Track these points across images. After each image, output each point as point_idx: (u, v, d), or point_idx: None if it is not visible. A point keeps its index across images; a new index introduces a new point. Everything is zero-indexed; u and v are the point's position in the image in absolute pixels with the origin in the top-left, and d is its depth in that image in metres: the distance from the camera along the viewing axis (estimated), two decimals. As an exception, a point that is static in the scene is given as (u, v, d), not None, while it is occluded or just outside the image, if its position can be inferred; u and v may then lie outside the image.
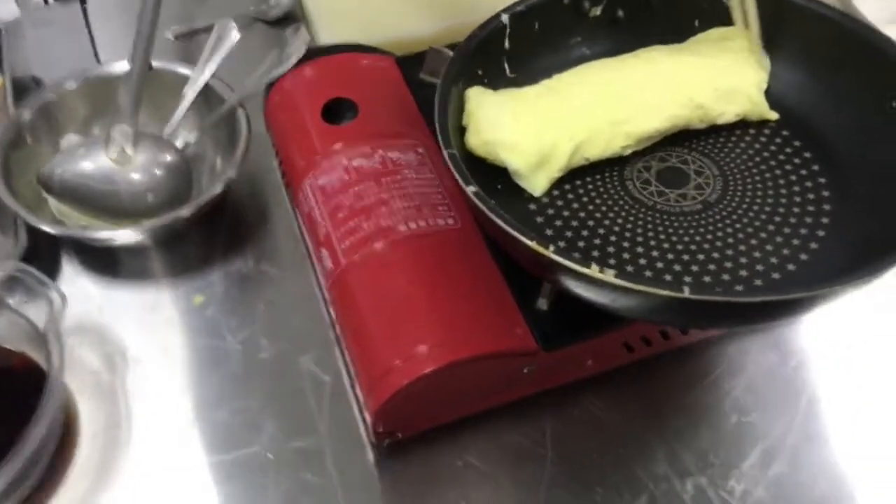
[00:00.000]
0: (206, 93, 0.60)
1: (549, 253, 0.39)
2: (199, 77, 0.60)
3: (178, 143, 0.59)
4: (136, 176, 0.57)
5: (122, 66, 0.61)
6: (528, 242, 0.40)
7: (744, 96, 0.51)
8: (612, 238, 0.47)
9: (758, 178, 0.50)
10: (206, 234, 0.60)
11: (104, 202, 0.57)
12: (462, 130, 0.49)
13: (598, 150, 0.49)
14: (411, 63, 0.60)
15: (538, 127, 0.48)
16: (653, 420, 0.51)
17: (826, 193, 0.49)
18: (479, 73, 0.52)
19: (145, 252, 0.59)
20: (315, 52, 0.60)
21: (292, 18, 0.74)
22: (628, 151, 0.50)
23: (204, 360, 0.54)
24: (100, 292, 0.57)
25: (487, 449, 0.50)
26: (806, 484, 0.49)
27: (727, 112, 0.51)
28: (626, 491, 0.48)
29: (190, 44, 0.73)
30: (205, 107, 0.60)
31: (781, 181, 0.50)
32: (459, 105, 0.49)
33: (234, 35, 0.61)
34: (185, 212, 0.54)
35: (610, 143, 0.49)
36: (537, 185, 0.49)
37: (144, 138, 0.58)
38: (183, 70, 0.61)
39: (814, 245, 0.46)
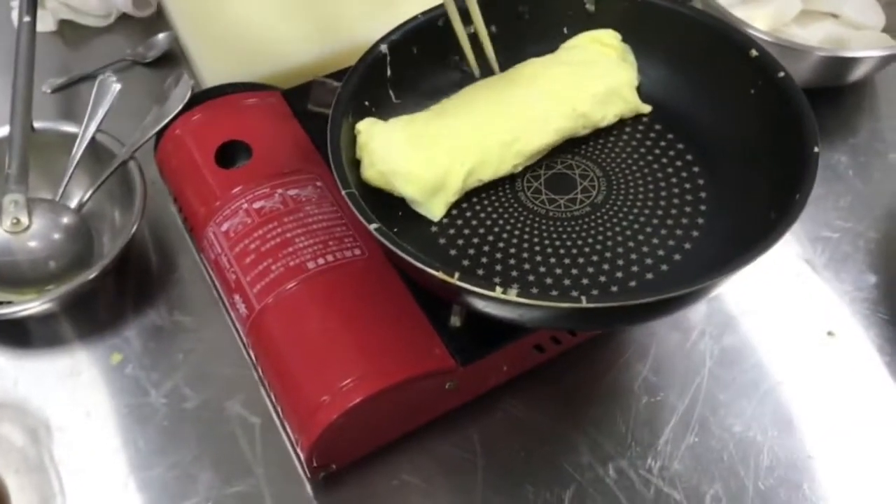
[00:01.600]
0: (95, 148, 0.60)
1: (455, 280, 0.41)
2: (85, 134, 0.59)
3: (73, 204, 0.58)
4: (34, 244, 0.56)
5: (2, 131, 0.60)
6: (434, 273, 0.42)
7: (618, 97, 0.55)
8: (512, 251, 0.50)
9: (638, 174, 0.53)
10: (115, 291, 0.60)
11: (5, 274, 0.56)
12: (357, 163, 0.50)
13: (490, 171, 0.51)
14: (298, 95, 0.61)
15: (430, 154, 0.50)
16: (570, 413, 0.54)
17: (701, 182, 0.52)
18: (366, 104, 0.53)
19: (54, 318, 0.58)
20: (201, 96, 0.60)
21: (171, 58, 0.74)
22: (519, 168, 0.53)
23: (130, 418, 0.54)
24: (12, 364, 0.57)
25: (420, 464, 0.52)
26: (716, 450, 0.53)
27: (607, 115, 0.54)
28: (555, 484, 0.51)
29: (70, 95, 0.71)
30: (95, 163, 0.60)
31: (660, 174, 0.53)
32: (351, 138, 0.50)
33: (115, 87, 0.61)
34: (91, 274, 0.54)
35: (501, 163, 0.51)
36: (435, 210, 0.51)
37: (38, 204, 0.57)
38: (67, 128, 0.61)
39: (696, 233, 0.50)
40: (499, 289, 0.41)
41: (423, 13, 0.55)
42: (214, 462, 0.52)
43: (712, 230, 0.50)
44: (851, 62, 0.66)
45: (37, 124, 0.60)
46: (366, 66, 0.53)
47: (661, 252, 0.49)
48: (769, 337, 0.58)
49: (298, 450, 0.49)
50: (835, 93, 0.73)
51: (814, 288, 0.61)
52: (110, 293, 0.60)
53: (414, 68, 0.56)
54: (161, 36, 0.74)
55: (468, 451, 0.53)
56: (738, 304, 0.60)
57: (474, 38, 0.57)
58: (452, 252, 0.50)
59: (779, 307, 0.60)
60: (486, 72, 0.56)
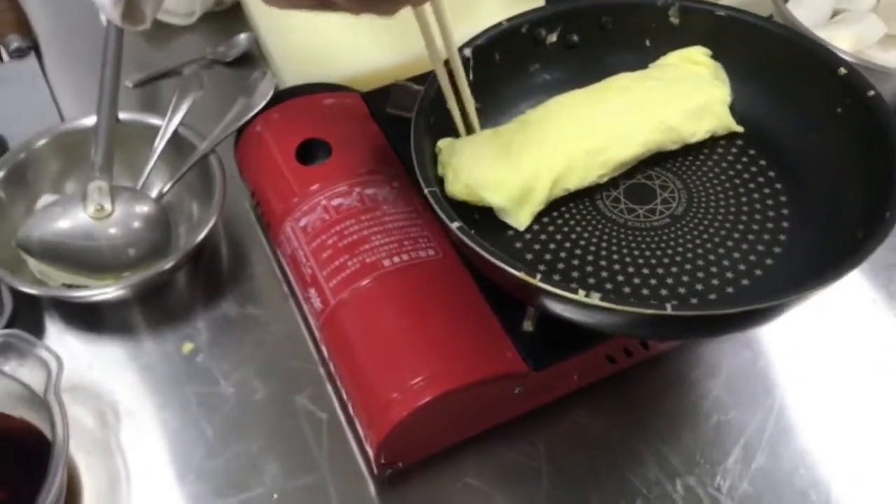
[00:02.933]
0: (177, 141, 0.61)
1: (537, 282, 0.41)
2: (167, 126, 0.61)
3: (153, 194, 0.60)
4: (115, 230, 0.57)
5: (89, 120, 0.61)
6: (516, 273, 0.42)
7: (711, 113, 0.54)
8: (589, 258, 0.49)
9: (719, 187, 0.53)
10: (188, 282, 0.61)
11: (85, 259, 0.57)
12: (437, 180, 0.50)
13: (576, 180, 0.51)
14: (377, 98, 0.61)
15: (517, 164, 0.50)
16: (638, 426, 0.54)
17: (784, 198, 0.52)
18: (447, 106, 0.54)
19: (128, 305, 0.59)
20: (282, 95, 0.61)
21: (250, 59, 0.75)
22: (605, 179, 0.52)
23: (199, 406, 0.55)
24: (86, 349, 0.58)
25: (484, 468, 0.52)
26: (787, 473, 0.52)
27: (698, 131, 0.54)
28: (621, 498, 0.51)
29: (150, 90, 0.73)
30: (176, 155, 0.61)
31: (742, 189, 0.53)
32: (431, 153, 0.51)
33: (200, 83, 0.62)
34: (167, 263, 0.55)
35: (588, 172, 0.51)
36: (521, 219, 0.51)
37: (121, 192, 0.58)
38: (151, 120, 0.62)
39: (778, 249, 0.49)
40: (581, 292, 0.40)
41: (508, 20, 0.56)
42: (280, 454, 0.53)
43: (795, 248, 0.49)
44: (936, 87, 0.65)
45: (122, 115, 0.62)
46: (449, 70, 0.53)
47: (742, 266, 0.48)
48: (844, 363, 0.57)
49: (367, 446, 0.49)
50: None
51: (891, 315, 0.60)
52: (184, 284, 0.61)
53: (495, 74, 0.56)
54: (242, 36, 0.75)
55: (533, 458, 0.53)
56: (813, 328, 0.59)
57: (555, 48, 0.57)
58: (528, 257, 0.50)
59: (854, 334, 0.59)
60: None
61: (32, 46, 0.75)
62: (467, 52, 0.54)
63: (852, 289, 0.61)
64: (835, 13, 0.72)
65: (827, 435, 0.54)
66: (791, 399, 0.55)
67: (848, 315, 0.60)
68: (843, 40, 0.67)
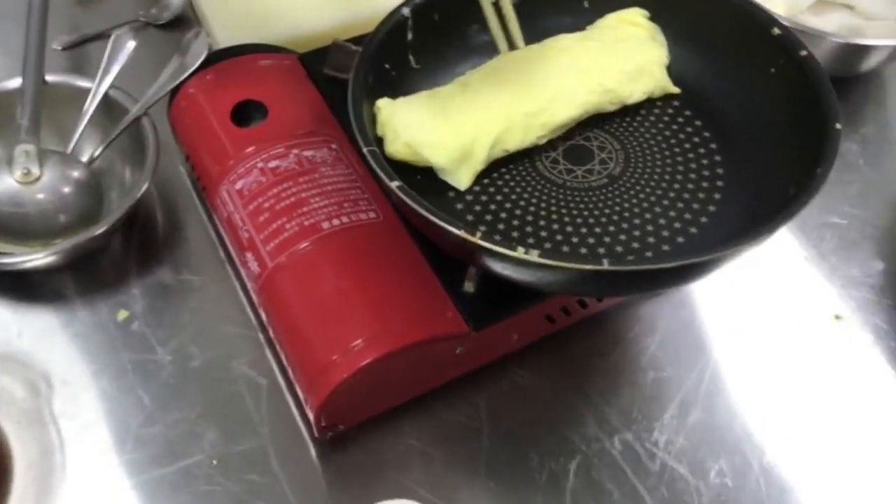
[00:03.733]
0: (108, 104, 0.59)
1: (477, 239, 0.41)
2: (97, 89, 0.59)
3: (84, 158, 0.58)
4: (43, 196, 0.56)
5: (14, 82, 0.59)
6: (457, 231, 0.41)
7: (648, 75, 0.54)
8: (529, 218, 0.50)
9: (655, 148, 0.53)
10: (121, 248, 0.60)
11: (13, 225, 0.55)
12: (377, 141, 0.50)
13: (515, 141, 0.51)
14: (315, 59, 0.60)
15: (457, 123, 0.50)
16: (577, 385, 0.54)
17: (719, 157, 0.52)
18: (386, 66, 0.53)
19: (60, 272, 0.58)
20: (216, 56, 0.60)
21: (184, 21, 0.73)
22: (544, 140, 0.52)
23: (135, 374, 0.54)
24: (16, 318, 0.56)
25: (425, 429, 0.52)
26: (722, 427, 0.53)
27: (635, 92, 0.54)
28: (561, 454, 0.51)
29: (79, 54, 0.71)
30: (107, 119, 0.59)
31: (677, 149, 0.53)
32: (370, 114, 0.50)
33: (130, 44, 0.60)
34: (99, 229, 0.54)
35: (527, 134, 0.51)
36: (462, 179, 0.51)
37: (49, 156, 0.56)
38: (80, 82, 0.60)
39: (713, 208, 0.50)
40: (521, 249, 0.40)
41: (447, -21, 0.55)
42: (219, 420, 0.52)
43: (730, 205, 0.50)
44: (865, 50, 0.67)
45: (49, 77, 0.59)
46: (387, 28, 0.53)
47: (677, 224, 0.49)
48: (776, 319, 0.59)
49: (307, 409, 0.49)
50: (846, 83, 0.73)
51: (822, 273, 0.61)
52: (117, 250, 0.59)
53: (435, 34, 0.55)
54: (174, -3, 0.73)
55: (474, 418, 0.53)
56: (747, 286, 0.60)
57: (495, 8, 0.57)
58: (470, 218, 0.50)
59: (787, 290, 0.60)
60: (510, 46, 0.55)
61: (-48, 6, 0.72)
62: (405, 11, 0.53)
63: (785, 247, 0.62)
64: (770, -22, 0.73)
65: (760, 389, 0.55)
66: (726, 355, 0.56)
67: (780, 273, 0.61)
68: (777, 5, 0.68)
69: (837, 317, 0.59)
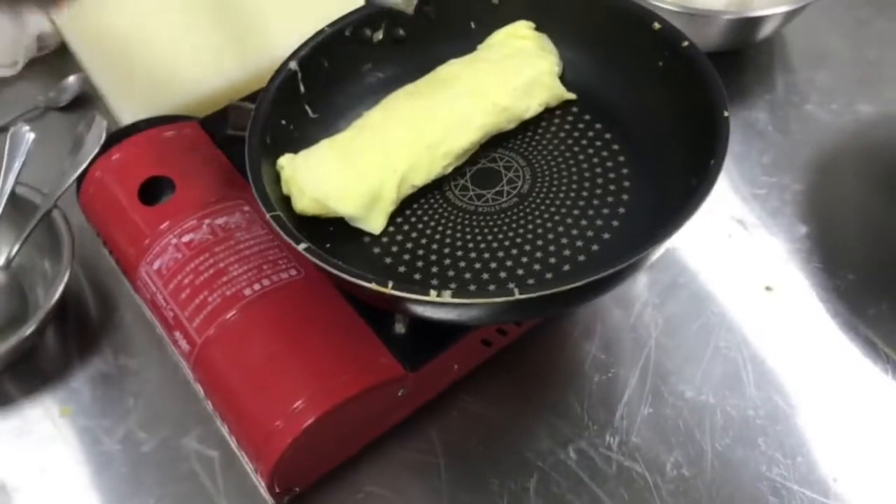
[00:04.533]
0: (16, 201, 0.59)
1: (389, 290, 0.41)
2: (3, 188, 0.58)
3: (0, 261, 0.57)
4: (-36, 307, 0.55)
5: (-83, 197, 0.58)
6: (367, 285, 0.42)
7: (541, 86, 0.55)
8: (446, 251, 0.50)
9: (560, 158, 0.54)
10: (57, 342, 0.59)
11: (-63, 341, 0.55)
12: (285, 199, 0.50)
13: (422, 175, 0.51)
14: (215, 122, 0.60)
15: (361, 169, 0.50)
16: (525, 401, 0.55)
17: (622, 158, 0.53)
18: (283, 122, 0.53)
19: (-2, 378, 0.57)
20: (119, 135, 0.59)
21: (85, 100, 0.73)
22: (449, 169, 0.53)
23: (87, 468, 0.53)
24: (-40, 431, 0.56)
25: (383, 473, 0.53)
26: (671, 418, 0.54)
27: (531, 106, 0.55)
28: (519, 474, 0.52)
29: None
30: (18, 216, 0.59)
31: (581, 157, 0.54)
32: (274, 171, 0.50)
33: (29, 136, 0.60)
34: (27, 330, 0.53)
35: (432, 165, 0.52)
36: (374, 223, 0.51)
37: (-38, 266, 0.56)
38: (-16, 184, 0.59)
39: (622, 210, 0.50)
40: (433, 292, 0.41)
41: (330, 25, 0.55)
42: (178, 501, 0.52)
43: (638, 206, 0.50)
44: (757, 21, 0.68)
45: (-48, 184, 0.59)
46: (278, 85, 0.53)
47: (590, 233, 0.50)
48: (710, 299, 0.59)
49: (258, 478, 0.49)
50: (747, 52, 0.74)
51: (748, 246, 0.62)
52: (52, 345, 0.59)
53: (327, 82, 0.56)
54: (72, 78, 0.73)
55: (429, 453, 0.53)
56: (677, 272, 0.61)
57: (383, 45, 0.57)
58: (388, 260, 0.50)
59: (716, 269, 0.61)
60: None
61: None
62: (293, 64, 0.53)
63: (708, 226, 0.63)
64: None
65: (702, 372, 0.56)
66: (665, 344, 0.57)
67: (708, 253, 0.62)
68: (664, -10, 0.69)
69: (768, 287, 0.60)
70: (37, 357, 0.59)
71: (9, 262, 0.57)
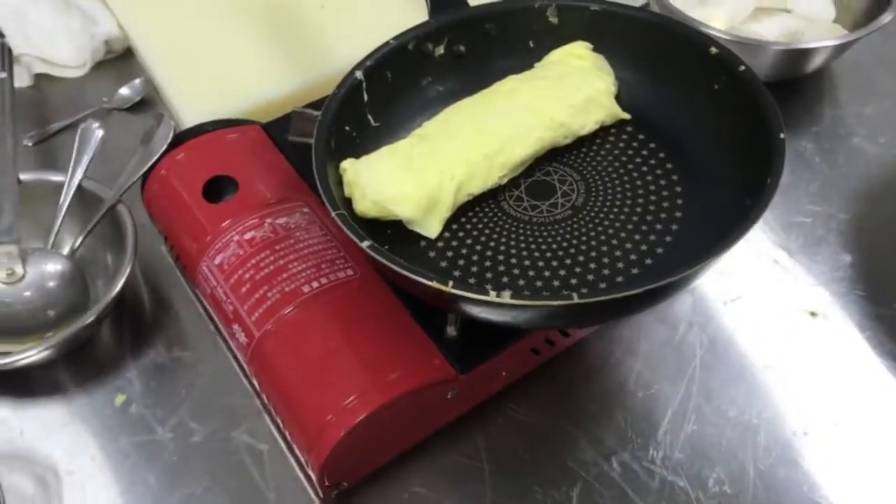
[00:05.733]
0: (83, 195, 0.61)
1: (450, 289, 0.43)
2: (71, 181, 0.60)
3: (65, 251, 0.59)
4: (30, 293, 0.57)
5: (-11, 186, 0.61)
6: (429, 283, 0.43)
7: (597, 105, 0.56)
8: (500, 258, 0.51)
9: (614, 174, 0.55)
10: (113, 333, 0.61)
11: (3, 325, 0.57)
12: (345, 202, 0.52)
13: (478, 184, 0.53)
14: (278, 127, 0.62)
15: (420, 174, 0.51)
16: (570, 412, 0.56)
17: (675, 177, 0.54)
18: (347, 129, 0.55)
19: (55, 365, 0.59)
20: (183, 136, 0.62)
21: (149, 102, 0.75)
22: (505, 180, 0.54)
23: (138, 457, 0.55)
24: (17, 415, 0.57)
25: (429, 475, 0.53)
26: (714, 436, 0.55)
27: (587, 123, 0.56)
28: (563, 483, 0.53)
29: (50, 146, 0.72)
30: (84, 209, 0.61)
31: (635, 174, 0.55)
32: (336, 175, 0.52)
33: (98, 133, 0.62)
34: (88, 319, 0.55)
35: (488, 175, 0.53)
36: (431, 227, 0.52)
37: (31, 253, 0.58)
38: (53, 177, 0.61)
39: (675, 227, 0.52)
40: (493, 293, 0.42)
41: (395, 38, 0.57)
42: (226, 492, 0.53)
43: (691, 223, 0.51)
44: (807, 53, 0.69)
45: (22, 176, 0.61)
46: (343, 93, 0.54)
47: (643, 247, 0.51)
48: (754, 323, 0.60)
49: (309, 471, 0.50)
50: (795, 84, 0.75)
51: (792, 272, 0.63)
52: (109, 336, 0.61)
53: (389, 92, 0.57)
54: (137, 81, 0.75)
55: (475, 458, 0.54)
56: (722, 295, 0.62)
57: (444, 60, 0.59)
58: (443, 264, 0.52)
59: (761, 294, 0.62)
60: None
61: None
62: (358, 74, 0.55)
63: (754, 251, 0.64)
64: (708, -8, 0.76)
65: (747, 393, 0.57)
66: (710, 364, 0.58)
67: (753, 278, 0.63)
68: (717, 19, 0.70)
69: (813, 313, 0.61)
70: (93, 346, 0.60)
71: (73, 252, 0.59)
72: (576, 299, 0.42)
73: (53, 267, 0.58)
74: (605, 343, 0.59)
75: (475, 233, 0.53)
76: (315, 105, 0.61)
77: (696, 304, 0.61)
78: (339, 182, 0.53)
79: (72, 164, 0.61)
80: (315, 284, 0.52)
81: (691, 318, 0.60)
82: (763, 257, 0.64)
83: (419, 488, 0.53)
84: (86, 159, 0.61)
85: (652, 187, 0.54)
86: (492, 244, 0.52)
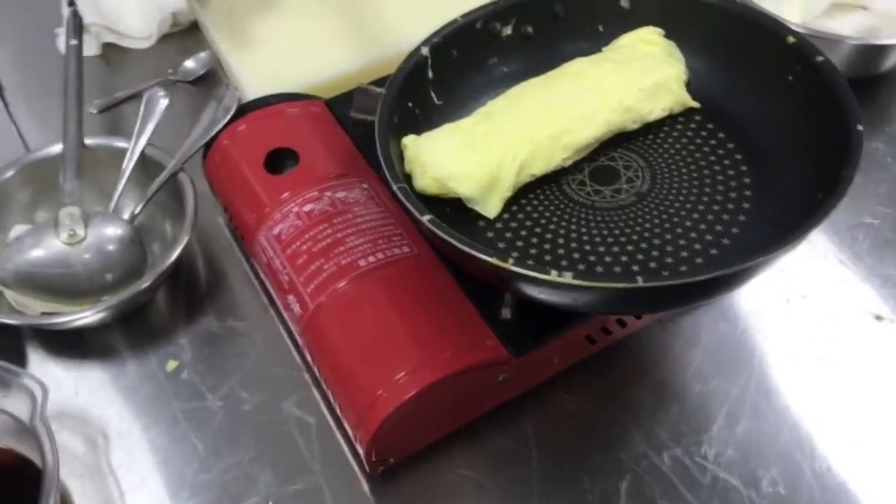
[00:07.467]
0: (145, 162, 0.61)
1: (510, 266, 0.42)
2: (134, 148, 0.61)
3: (125, 216, 0.60)
4: (89, 255, 0.58)
5: (55, 148, 0.61)
6: (489, 259, 0.42)
7: (667, 91, 0.55)
8: (560, 241, 0.50)
9: (681, 162, 0.54)
10: (167, 299, 0.61)
11: (62, 286, 0.57)
12: (406, 178, 0.51)
13: (541, 165, 0.52)
14: (341, 104, 0.62)
15: (482, 153, 0.51)
16: (623, 403, 0.55)
17: (745, 168, 0.53)
18: (410, 105, 0.54)
19: (109, 327, 0.59)
20: (246, 107, 0.62)
21: (212, 76, 0.76)
22: (569, 162, 0.53)
23: (188, 422, 0.55)
24: (70, 375, 0.58)
25: (476, 457, 0.53)
26: (771, 435, 0.53)
27: (655, 109, 0.55)
28: (612, 474, 0.52)
29: (115, 115, 0.73)
30: (145, 176, 0.61)
31: (703, 162, 0.54)
32: (398, 151, 0.51)
33: (163, 102, 0.63)
34: (144, 283, 0.55)
35: (551, 157, 0.52)
36: (491, 207, 0.51)
37: (93, 216, 0.58)
38: (117, 143, 0.62)
39: (742, 218, 0.50)
40: (554, 272, 0.41)
41: (462, 16, 0.56)
42: (273, 462, 0.53)
43: (759, 214, 0.50)
44: (883, 50, 0.67)
45: (87, 141, 0.62)
46: (408, 68, 0.54)
47: (709, 237, 0.49)
48: (818, 323, 0.58)
49: (357, 445, 0.50)
50: (868, 83, 0.73)
51: (859, 274, 0.61)
52: (163, 302, 0.61)
53: (454, 70, 0.57)
54: (202, 54, 0.76)
55: (523, 443, 0.53)
56: (786, 293, 0.60)
57: (511, 40, 0.58)
58: (501, 245, 0.51)
59: (825, 293, 0.60)
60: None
61: (-8, 81, 0.75)
62: (425, 50, 0.55)
63: (820, 250, 0.62)
64: (783, -15, 0.74)
65: (807, 394, 0.55)
66: (769, 362, 0.56)
67: (818, 277, 0.61)
68: (791, 12, 0.68)
69: (878, 317, 0.59)
70: (148, 312, 0.61)
71: (133, 217, 0.60)
72: (640, 282, 0.41)
73: (114, 231, 0.59)
74: (663, 335, 0.57)
75: (535, 215, 0.52)
76: (378, 83, 0.61)
77: (758, 301, 0.59)
78: (401, 158, 0.52)
79: (136, 130, 0.61)
80: (371, 259, 0.52)
81: (753, 314, 0.59)
82: (829, 257, 0.62)
83: (465, 470, 0.52)
84: (150, 126, 0.61)
85: (720, 177, 0.52)
86: (552, 227, 0.51)
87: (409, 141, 0.52)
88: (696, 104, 0.56)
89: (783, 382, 0.55)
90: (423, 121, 0.55)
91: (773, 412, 0.54)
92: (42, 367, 0.58)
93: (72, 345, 0.59)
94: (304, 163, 0.58)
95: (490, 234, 0.52)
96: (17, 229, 0.60)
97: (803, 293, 0.60)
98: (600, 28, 0.59)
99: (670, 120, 0.56)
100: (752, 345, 0.57)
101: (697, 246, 0.49)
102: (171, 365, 0.58)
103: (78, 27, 0.70)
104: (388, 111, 0.52)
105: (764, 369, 0.56)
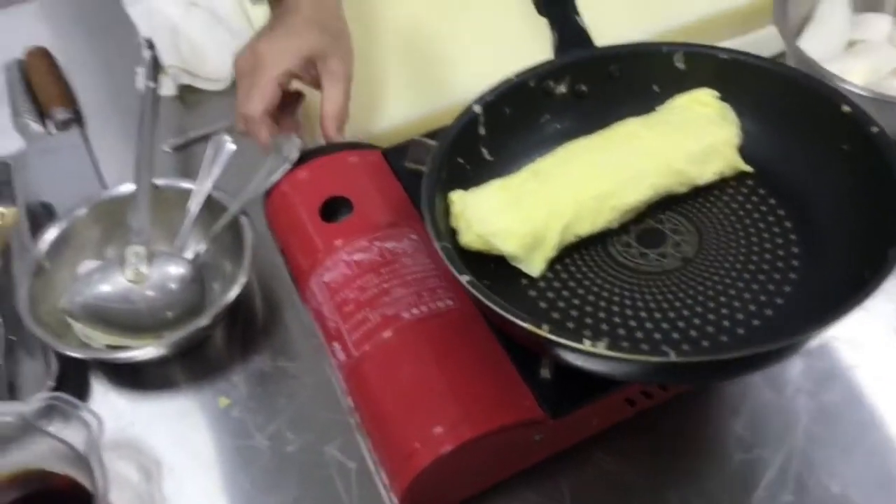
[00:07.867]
0: (209, 203, 0.64)
1: (544, 332, 0.43)
2: (201, 190, 0.64)
3: (188, 255, 0.63)
4: (152, 293, 0.61)
5: (127, 188, 0.65)
6: (523, 324, 0.43)
7: (718, 155, 0.55)
8: (602, 304, 0.51)
9: (729, 229, 0.53)
10: (224, 337, 0.64)
11: (125, 321, 0.60)
12: (451, 232, 0.52)
13: (587, 226, 0.52)
14: (396, 154, 0.63)
15: (528, 211, 0.51)
16: (662, 467, 0.54)
17: (793, 236, 0.52)
18: (460, 160, 0.56)
19: (167, 362, 0.62)
20: (307, 155, 0.64)
21: (279, 120, 0.78)
22: (616, 224, 0.53)
23: (235, 459, 0.57)
24: (129, 407, 0.61)
25: (512, 513, 0.53)
26: (813, 510, 0.52)
27: (705, 173, 0.55)
28: (647, 539, 0.51)
29: (187, 154, 0.77)
30: (209, 217, 0.64)
31: (752, 230, 0.53)
32: (445, 205, 0.52)
33: (230, 147, 0.65)
34: (203, 321, 0.58)
35: (597, 218, 0.52)
36: (534, 265, 0.52)
37: (157, 255, 0.61)
38: (185, 185, 0.65)
39: (788, 288, 0.50)
40: (587, 342, 0.42)
41: (517, 74, 0.57)
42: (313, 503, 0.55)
43: (805, 286, 0.49)
44: (954, 114, 0.65)
45: (158, 181, 0.65)
46: (460, 125, 0.55)
47: (752, 307, 0.49)
48: (869, 394, 0.57)
49: (392, 495, 0.51)
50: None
51: (915, 345, 0.60)
52: (220, 339, 0.64)
53: (506, 127, 0.58)
54: (271, 98, 0.79)
55: (558, 501, 0.53)
56: (837, 361, 0.59)
57: (564, 98, 0.59)
58: (543, 305, 0.51)
59: (879, 364, 0.58)
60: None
61: (75, 118, 0.79)
62: (477, 108, 0.56)
63: (872, 319, 0.61)
64: (850, 44, 0.72)
65: (855, 470, 0.54)
66: (816, 434, 0.55)
67: (869, 347, 0.59)
68: (856, 73, 0.67)
69: (937, 391, 0.57)
70: (204, 348, 0.63)
71: (196, 257, 0.62)
72: (672, 357, 0.41)
73: (176, 270, 0.61)
74: (705, 399, 0.57)
75: (579, 276, 0.52)
76: (434, 135, 0.62)
77: (806, 369, 0.58)
78: (447, 213, 0.53)
79: (202, 173, 0.64)
80: (415, 311, 0.53)
81: (801, 382, 0.58)
82: (884, 326, 0.60)
83: (500, 525, 0.53)
84: (216, 170, 0.64)
85: (768, 245, 0.52)
86: (595, 289, 0.51)
87: (455, 196, 0.53)
88: (748, 168, 0.56)
89: (829, 455, 0.54)
90: (474, 176, 0.56)
91: (816, 486, 0.53)
92: (103, 397, 0.61)
93: (132, 378, 0.62)
94: (357, 211, 0.60)
95: (532, 293, 0.52)
96: (87, 265, 0.63)
97: (856, 363, 0.58)
98: (655, 88, 0.59)
99: (722, 183, 0.56)
100: (798, 414, 0.56)
101: (740, 316, 0.49)
102: (224, 402, 0.60)
103: (155, 70, 0.74)
104: (437, 167, 0.53)
105: (809, 441, 0.55)
